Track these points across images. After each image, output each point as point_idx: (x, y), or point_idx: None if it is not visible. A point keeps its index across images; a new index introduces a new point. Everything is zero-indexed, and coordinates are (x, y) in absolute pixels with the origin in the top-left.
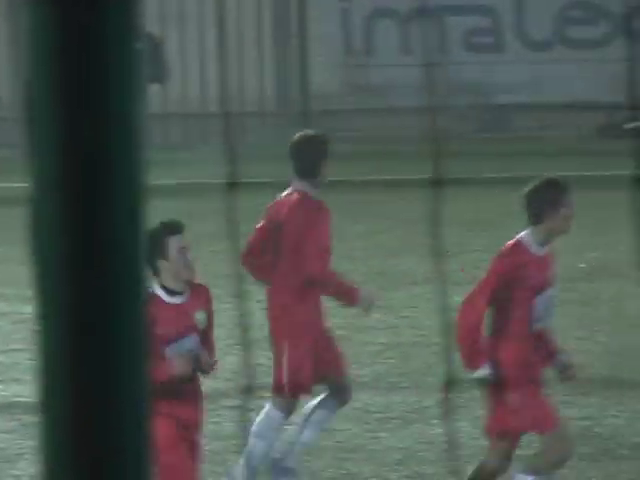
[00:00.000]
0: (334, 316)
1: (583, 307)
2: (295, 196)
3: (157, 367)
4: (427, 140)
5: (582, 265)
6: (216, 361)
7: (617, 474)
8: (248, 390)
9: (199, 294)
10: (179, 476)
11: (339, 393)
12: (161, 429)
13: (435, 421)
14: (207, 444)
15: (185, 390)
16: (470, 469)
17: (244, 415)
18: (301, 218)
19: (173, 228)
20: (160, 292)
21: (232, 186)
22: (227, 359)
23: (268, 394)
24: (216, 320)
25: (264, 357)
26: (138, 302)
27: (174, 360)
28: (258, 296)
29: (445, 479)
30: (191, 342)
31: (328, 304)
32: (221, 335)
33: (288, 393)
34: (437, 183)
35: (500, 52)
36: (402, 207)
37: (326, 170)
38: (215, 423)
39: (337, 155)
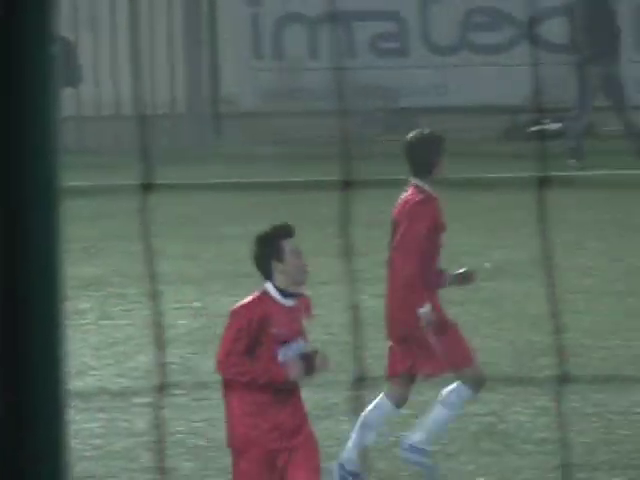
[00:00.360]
0: None
1: (487, 306)
2: (410, 193)
3: (270, 367)
4: (336, 142)
5: (487, 265)
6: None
7: (521, 469)
8: (160, 388)
9: (303, 300)
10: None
11: (473, 383)
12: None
13: (344, 418)
14: (120, 441)
15: (287, 397)
16: (382, 465)
17: (157, 412)
18: (411, 213)
19: (286, 231)
20: (275, 293)
21: (147, 187)
22: (139, 358)
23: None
24: (128, 319)
25: (176, 356)
26: (52, 301)
27: (291, 364)
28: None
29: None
30: (300, 347)
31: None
32: (134, 334)
33: (401, 383)
34: (346, 185)
35: (406, 56)
36: (312, 208)
37: (442, 168)
38: (127, 420)
39: (246, 157)
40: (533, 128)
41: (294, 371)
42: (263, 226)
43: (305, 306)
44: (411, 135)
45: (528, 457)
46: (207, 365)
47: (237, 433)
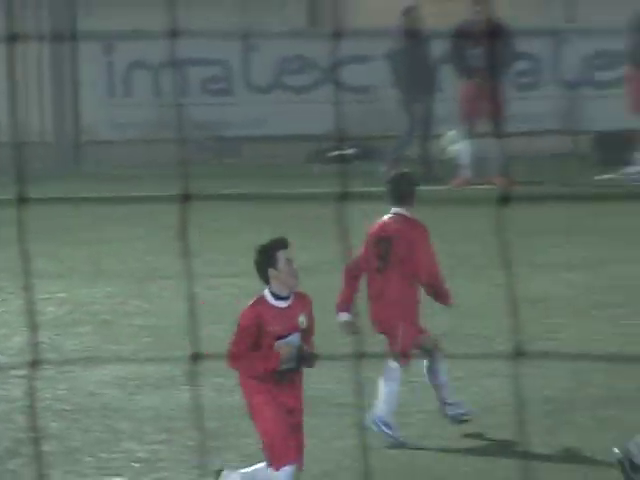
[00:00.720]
0: (100, 304)
1: None
2: (399, 217)
3: (267, 357)
4: (175, 165)
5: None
6: (317, 355)
7: (323, 427)
8: (33, 364)
9: (302, 300)
10: (284, 447)
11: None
12: (268, 412)
13: (183, 387)
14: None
15: (291, 380)
16: (213, 425)
17: (30, 383)
18: (409, 233)
19: (281, 243)
20: (270, 298)
21: (22, 201)
22: (15, 339)
23: None
24: (5, 307)
25: (45, 337)
26: None
27: (280, 348)
28: (43, 289)
29: (189, 432)
30: (295, 339)
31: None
32: (10, 320)
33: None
34: (186, 198)
35: (231, 95)
36: (158, 217)
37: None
38: (6, 390)
39: (102, 177)
40: (333, 153)
41: (282, 354)
42: (115, 231)
43: (305, 302)
44: (396, 173)
45: (328, 417)
46: (70, 344)
47: (254, 403)
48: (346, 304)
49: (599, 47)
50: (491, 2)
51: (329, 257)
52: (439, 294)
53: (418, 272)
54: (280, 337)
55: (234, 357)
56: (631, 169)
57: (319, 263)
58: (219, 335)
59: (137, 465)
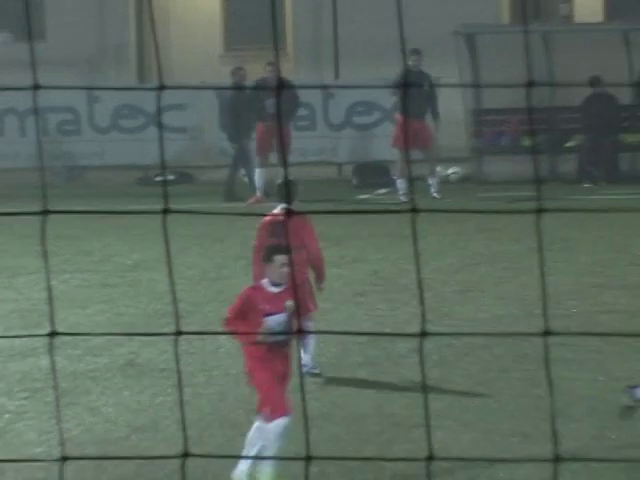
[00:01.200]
0: None
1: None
2: (287, 210)
3: (251, 327)
4: (39, 186)
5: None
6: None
7: (150, 387)
8: None
9: (291, 290)
10: (277, 402)
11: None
12: (262, 374)
13: (43, 356)
14: None
15: (280, 351)
16: (65, 385)
17: None
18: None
19: (282, 250)
20: (266, 284)
21: None
22: None
23: None
24: None
25: None
26: None
27: (264, 322)
28: None
29: (48, 390)
30: (280, 317)
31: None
32: None
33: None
34: (45, 212)
35: (79, 135)
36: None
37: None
38: None
39: None
40: (157, 178)
41: (264, 326)
42: None
43: (294, 292)
44: (284, 180)
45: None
46: None
47: (250, 367)
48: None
49: (358, 99)
50: (279, 64)
51: (153, 256)
52: (319, 275)
53: (308, 254)
54: (269, 314)
55: (227, 321)
56: (398, 186)
57: (147, 261)
58: (70, 317)
59: (7, 416)
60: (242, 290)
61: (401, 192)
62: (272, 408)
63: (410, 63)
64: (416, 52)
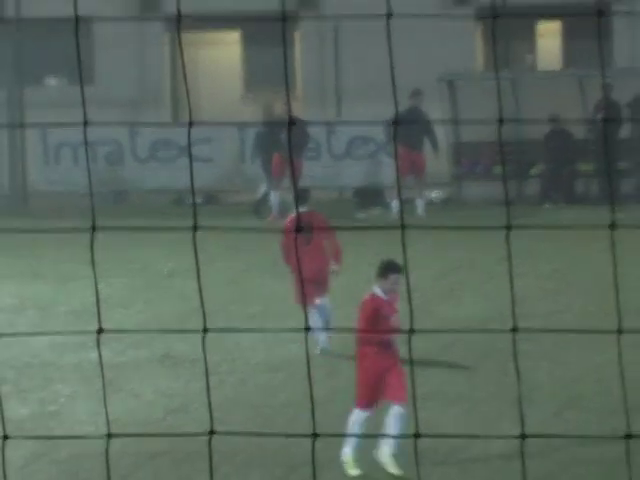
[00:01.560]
0: None
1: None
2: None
3: (383, 330)
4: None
5: (166, 270)
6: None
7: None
8: None
9: (396, 295)
10: (364, 395)
11: None
12: (362, 368)
13: None
14: None
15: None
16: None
17: None
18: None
19: (396, 269)
20: (379, 292)
21: None
22: None
23: None
24: None
25: None
26: None
27: (394, 321)
28: None
29: None
30: (395, 317)
31: None
32: None
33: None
34: None
35: (122, 164)
36: None
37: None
38: None
39: None
40: (188, 200)
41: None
42: None
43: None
44: (302, 189)
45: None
46: None
47: (358, 360)
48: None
49: (356, 134)
50: (290, 104)
51: (185, 265)
52: (337, 260)
53: (330, 244)
54: (388, 317)
55: (360, 332)
56: (393, 206)
57: (180, 269)
58: (115, 317)
59: (63, 400)
60: (364, 301)
61: (395, 211)
62: (358, 398)
63: (412, 102)
64: (418, 92)
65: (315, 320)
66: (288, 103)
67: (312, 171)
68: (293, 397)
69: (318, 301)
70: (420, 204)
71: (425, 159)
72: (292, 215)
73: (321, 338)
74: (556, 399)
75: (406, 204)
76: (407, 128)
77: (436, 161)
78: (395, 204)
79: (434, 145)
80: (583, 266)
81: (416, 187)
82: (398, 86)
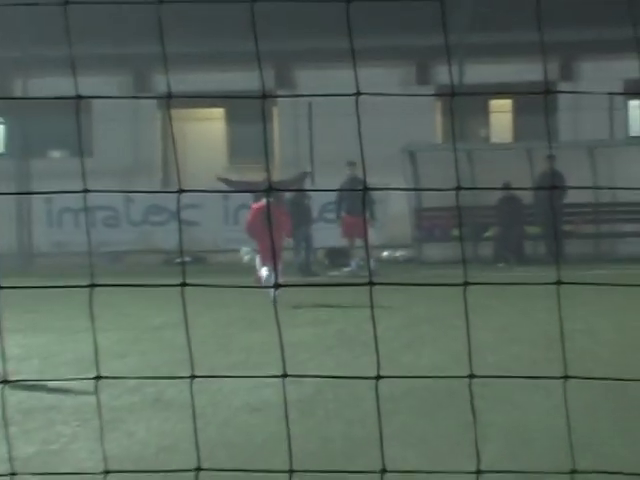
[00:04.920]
0: None
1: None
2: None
3: None
4: None
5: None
6: None
7: None
8: None
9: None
10: None
11: None
12: None
13: None
14: None
15: None
16: None
17: None
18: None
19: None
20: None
21: None
22: None
23: None
24: None
25: None
26: None
27: None
28: None
29: None
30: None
31: None
32: None
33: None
34: None
35: (118, 227)
36: None
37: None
38: None
39: None
40: (177, 260)
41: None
42: None
43: None
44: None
45: None
46: None
47: None
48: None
49: (328, 199)
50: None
51: (174, 318)
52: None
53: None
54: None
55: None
56: (352, 266)
57: (170, 322)
58: (111, 365)
59: (64, 439)
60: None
61: (354, 269)
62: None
63: (349, 172)
64: (352, 163)
65: (269, 276)
66: (268, 172)
67: (299, 232)
68: (271, 436)
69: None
70: (371, 262)
71: (365, 224)
72: (259, 203)
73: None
74: (508, 437)
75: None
76: (349, 196)
77: (398, 225)
78: (354, 264)
79: (371, 213)
80: (531, 319)
81: (359, 249)
82: (366, 156)
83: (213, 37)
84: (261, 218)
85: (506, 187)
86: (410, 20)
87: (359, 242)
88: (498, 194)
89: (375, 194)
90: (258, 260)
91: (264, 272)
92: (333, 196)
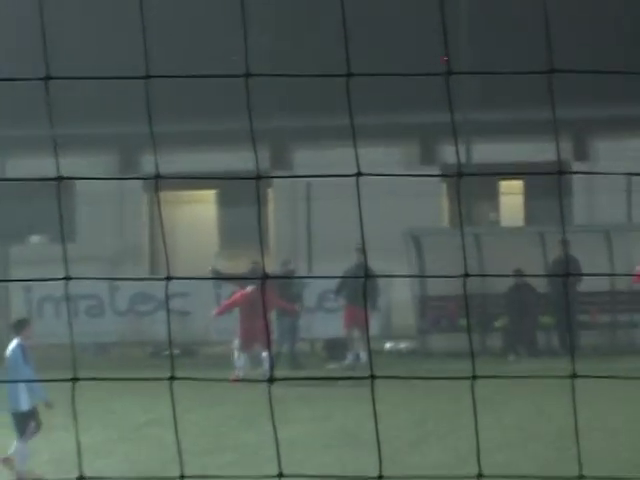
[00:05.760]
0: None
1: None
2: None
3: None
4: None
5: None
6: None
7: None
8: None
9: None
10: None
11: None
12: None
13: None
14: None
15: None
16: None
17: None
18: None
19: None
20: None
21: None
22: None
23: None
24: None
25: None
26: None
27: None
28: None
29: None
30: None
31: None
32: None
33: None
34: None
35: (102, 317)
36: None
37: None
38: None
39: None
40: (165, 352)
41: None
42: None
43: None
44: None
45: None
46: None
47: None
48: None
49: (327, 287)
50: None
51: (163, 414)
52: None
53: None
54: None
55: None
56: (348, 358)
57: (157, 418)
58: (96, 465)
59: None
60: None
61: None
62: None
63: (357, 258)
64: (360, 249)
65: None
66: (262, 260)
67: (283, 322)
68: None
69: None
70: (364, 356)
71: (368, 314)
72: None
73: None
74: None
75: (354, 357)
76: (352, 284)
77: (402, 314)
78: (349, 357)
79: (373, 303)
80: (545, 416)
81: (361, 339)
82: (368, 241)
83: (204, 115)
84: (246, 304)
85: (517, 274)
86: (413, 96)
87: (360, 332)
88: (508, 281)
89: (379, 281)
90: (236, 344)
91: (239, 362)
92: (333, 283)
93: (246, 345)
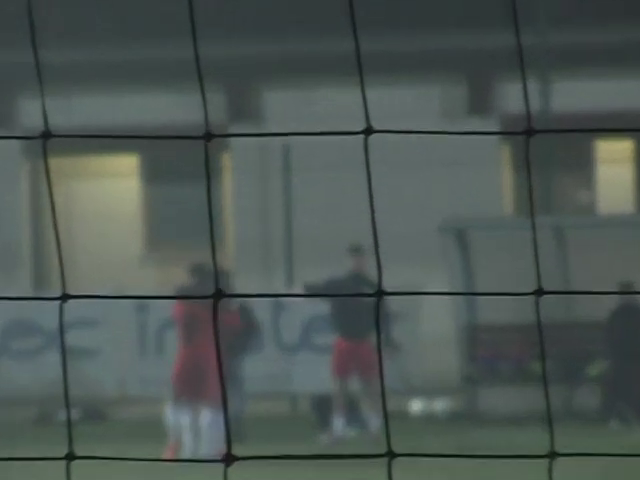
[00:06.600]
0: None
1: None
2: None
3: None
4: None
5: None
6: None
7: None
8: None
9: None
10: None
11: None
12: None
13: None
14: None
15: None
16: None
17: None
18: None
19: None
20: None
21: None
22: None
23: None
24: None
25: None
26: None
27: None
28: None
29: None
30: None
31: None
32: None
33: None
34: None
35: None
36: None
37: None
38: None
39: None
40: (59, 416)
41: None
42: None
43: None
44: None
45: None
46: None
47: None
48: None
49: (317, 312)
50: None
51: None
52: None
53: None
54: None
55: None
56: (335, 425)
57: None
58: None
59: None
60: None
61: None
62: None
63: (352, 264)
64: (356, 249)
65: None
66: (214, 265)
67: (249, 371)
68: None
69: None
70: (374, 419)
71: (372, 352)
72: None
73: None
74: None
75: (355, 423)
76: (345, 309)
77: (436, 356)
78: (337, 423)
79: (386, 337)
80: None
81: (365, 393)
82: (380, 237)
83: (120, 35)
84: (184, 324)
85: (625, 290)
86: (455, 7)
87: (364, 383)
88: (611, 302)
89: (394, 305)
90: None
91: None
92: (325, 307)
93: (184, 394)
